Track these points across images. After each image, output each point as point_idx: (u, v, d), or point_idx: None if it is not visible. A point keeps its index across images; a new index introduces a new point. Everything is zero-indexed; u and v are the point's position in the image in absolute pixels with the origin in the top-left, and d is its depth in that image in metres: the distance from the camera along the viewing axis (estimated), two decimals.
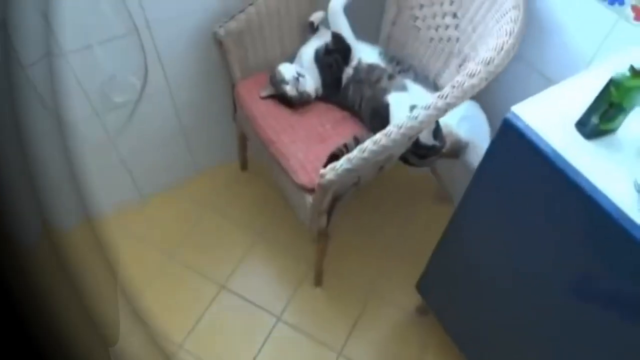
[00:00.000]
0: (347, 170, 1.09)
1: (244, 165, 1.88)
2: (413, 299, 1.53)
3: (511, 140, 0.84)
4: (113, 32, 1.31)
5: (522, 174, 0.87)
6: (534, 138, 0.80)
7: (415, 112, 1.08)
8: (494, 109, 1.34)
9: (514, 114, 0.83)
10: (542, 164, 0.80)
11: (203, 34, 1.45)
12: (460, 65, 1.32)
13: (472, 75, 1.07)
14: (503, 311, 1.10)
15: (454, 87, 1.08)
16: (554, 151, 0.79)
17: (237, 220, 1.77)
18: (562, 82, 0.88)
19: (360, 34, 1.43)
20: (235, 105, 1.55)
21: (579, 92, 0.85)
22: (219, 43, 1.39)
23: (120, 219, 1.76)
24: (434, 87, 1.36)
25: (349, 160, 1.09)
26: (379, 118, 1.34)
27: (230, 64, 1.45)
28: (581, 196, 0.76)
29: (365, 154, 1.08)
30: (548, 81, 1.26)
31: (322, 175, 1.10)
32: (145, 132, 1.60)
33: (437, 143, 1.25)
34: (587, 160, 0.77)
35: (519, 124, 0.82)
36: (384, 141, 1.08)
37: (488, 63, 1.08)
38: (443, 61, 1.39)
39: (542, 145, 0.80)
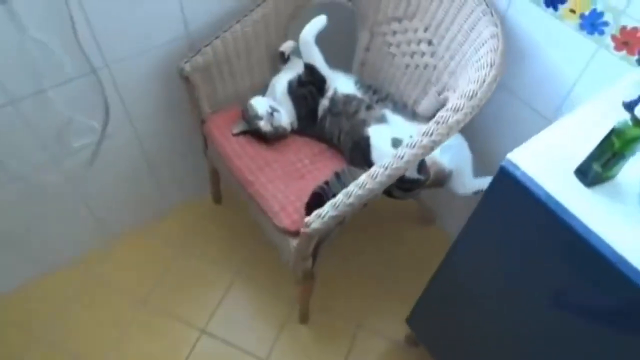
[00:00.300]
0: (333, 218, 1.03)
1: (217, 199, 1.80)
2: (402, 329, 1.49)
3: (508, 187, 0.80)
4: (68, 75, 1.21)
5: (520, 220, 0.84)
6: (532, 186, 0.77)
7: (400, 151, 1.04)
8: (475, 137, 1.31)
9: (510, 162, 0.79)
10: (541, 212, 0.77)
11: (167, 69, 1.37)
12: (439, 94, 1.28)
13: (456, 110, 1.04)
14: (497, 347, 1.07)
15: (438, 122, 1.04)
16: (554, 199, 0.75)
17: (213, 258, 1.69)
18: (555, 123, 0.85)
19: (333, 62, 1.38)
20: (205, 140, 1.47)
21: (573, 135, 0.83)
22: (185, 79, 1.31)
23: (86, 265, 1.65)
24: (413, 115, 1.32)
25: (334, 206, 1.03)
26: (359, 151, 1.29)
27: (198, 100, 1.38)
28: (583, 244, 0.73)
29: (351, 199, 1.03)
30: (529, 108, 1.24)
31: (307, 224, 1.04)
32: (109, 172, 1.50)
33: (421, 177, 1.21)
34: (588, 208, 0.74)
35: (516, 173, 0.78)
36: (370, 184, 1.02)
37: (471, 97, 1.04)
38: (421, 88, 1.36)
39: (540, 194, 0.76)
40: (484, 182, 1.31)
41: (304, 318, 1.53)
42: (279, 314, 1.58)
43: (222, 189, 1.76)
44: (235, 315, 1.57)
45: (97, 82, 1.25)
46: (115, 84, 1.31)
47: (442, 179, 1.29)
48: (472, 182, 1.31)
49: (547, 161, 0.79)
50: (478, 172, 1.32)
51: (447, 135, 1.04)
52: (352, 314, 1.59)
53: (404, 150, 1.04)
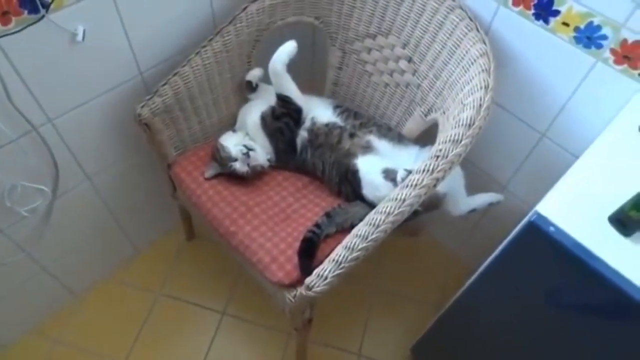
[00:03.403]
0: (337, 276, 0.92)
1: (190, 236, 1.65)
2: (404, 353, 1.42)
3: (538, 241, 0.72)
4: (3, 139, 1.02)
5: (549, 271, 0.76)
6: (566, 242, 0.69)
7: (402, 193, 0.93)
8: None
9: (541, 216, 0.70)
10: (575, 265, 0.69)
11: (122, 113, 1.20)
12: (426, 115, 1.19)
13: (455, 142, 0.94)
14: None
15: (438, 157, 0.94)
16: (592, 254, 0.67)
17: (195, 300, 1.54)
18: (577, 162, 0.77)
19: (303, 83, 1.24)
20: (173, 183, 1.32)
21: (598, 174, 0.75)
22: (143, 125, 1.14)
23: (53, 328, 1.46)
24: (399, 138, 1.23)
25: (338, 263, 0.92)
26: (347, 184, 1.19)
27: (161, 145, 1.22)
28: (626, 299, 0.66)
29: (355, 253, 0.92)
30: (520, 122, 1.17)
31: (309, 287, 0.92)
32: (67, 230, 1.33)
33: (418, 208, 1.11)
34: (630, 261, 0.67)
35: (549, 229, 0.69)
36: (374, 234, 0.92)
37: (469, 125, 0.95)
38: (404, 108, 1.26)
39: (577, 250, 0.68)
40: (479, 201, 1.25)
41: (302, 357, 1.42)
42: (275, 353, 1.46)
43: (195, 223, 1.61)
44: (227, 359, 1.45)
45: (39, 140, 1.07)
46: (62, 139, 1.13)
47: (436, 203, 1.21)
48: (466, 202, 1.24)
49: (577, 210, 0.71)
50: (470, 189, 1.24)
51: (450, 170, 0.94)
52: (352, 344, 1.49)
53: (404, 192, 0.93)
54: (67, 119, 1.10)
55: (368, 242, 0.92)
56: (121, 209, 1.43)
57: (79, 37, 0.99)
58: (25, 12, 0.89)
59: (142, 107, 1.12)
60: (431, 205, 1.20)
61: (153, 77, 1.20)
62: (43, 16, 0.91)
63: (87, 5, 0.98)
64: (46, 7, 0.91)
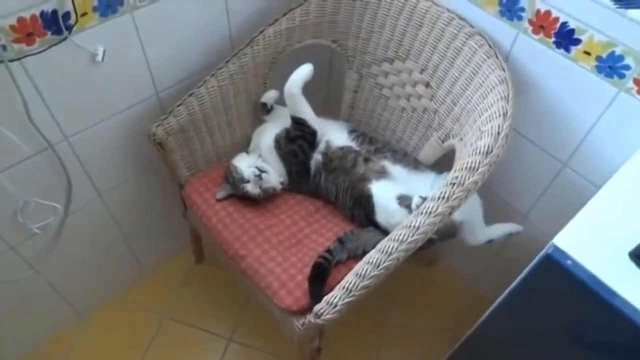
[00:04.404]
0: (348, 304, 0.92)
1: (199, 258, 1.68)
2: None
3: (555, 274, 0.72)
4: (19, 155, 1.06)
5: (566, 305, 0.76)
6: (584, 276, 0.69)
7: (416, 220, 0.94)
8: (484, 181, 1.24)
9: (557, 249, 0.71)
10: (592, 300, 0.69)
11: (136, 133, 1.25)
12: (443, 141, 1.20)
13: (472, 169, 0.95)
14: None
15: (454, 185, 0.95)
16: (610, 290, 0.67)
17: (201, 325, 1.55)
18: (597, 195, 0.78)
19: (319, 107, 1.28)
20: (184, 203, 1.35)
21: (618, 208, 0.75)
22: (158, 145, 1.18)
23: (56, 349, 1.48)
24: (415, 164, 1.24)
25: (348, 291, 0.92)
26: (361, 209, 1.21)
27: (174, 164, 1.26)
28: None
29: (366, 281, 0.92)
30: (539, 150, 1.17)
31: (317, 315, 0.93)
32: (77, 249, 1.36)
33: (433, 236, 1.12)
34: None
35: (566, 262, 0.69)
36: (386, 262, 0.92)
37: (487, 153, 0.96)
38: (421, 134, 1.28)
39: (593, 284, 0.68)
40: (497, 231, 1.25)
41: None
42: None
43: (204, 245, 1.64)
44: None
45: (55, 157, 1.11)
46: (77, 157, 1.18)
47: (452, 232, 1.21)
48: (483, 232, 1.24)
49: (596, 243, 0.71)
50: (489, 218, 1.24)
51: (466, 198, 0.95)
52: None
53: (418, 219, 0.94)
54: (82, 137, 1.15)
55: (380, 269, 0.93)
56: (131, 228, 1.47)
57: (99, 58, 1.04)
58: (49, 33, 0.95)
59: (157, 126, 1.16)
60: (447, 233, 1.20)
61: (169, 97, 1.25)
62: (66, 37, 0.97)
63: (108, 26, 1.03)
64: (69, 29, 0.96)
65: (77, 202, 1.24)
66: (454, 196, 0.94)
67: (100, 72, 1.08)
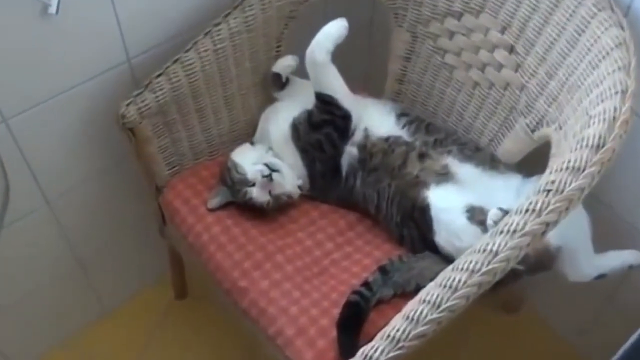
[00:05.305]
0: (395, 358, 0.94)
1: (180, 293, 1.74)
2: None
3: None
4: None
5: None
6: None
7: (494, 242, 0.95)
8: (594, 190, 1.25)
9: None
10: None
11: (99, 115, 1.30)
12: (533, 130, 1.22)
13: (577, 170, 0.96)
14: None
15: (549, 191, 0.96)
16: None
17: None
18: None
19: (354, 80, 1.30)
20: (163, 214, 1.40)
21: None
22: (128, 131, 1.23)
23: None
24: (491, 162, 1.27)
25: (395, 342, 0.93)
26: (413, 226, 1.24)
27: (150, 159, 1.31)
28: None
29: (422, 328, 0.93)
30: None
31: None
32: (14, 274, 1.42)
33: (519, 267, 1.13)
34: None
35: None
36: (449, 302, 0.93)
37: (598, 147, 0.97)
38: (501, 119, 1.30)
39: None
40: (612, 262, 1.26)
41: None
42: None
43: (189, 274, 1.68)
44: None
45: None
46: (18, 146, 1.24)
47: (545, 261, 1.22)
48: (592, 262, 1.24)
49: None
50: (600, 242, 1.25)
51: (566, 211, 0.96)
52: None
53: (497, 241, 0.95)
54: (26, 119, 1.20)
55: (441, 312, 0.94)
56: (88, 249, 1.52)
57: (52, 9, 1.08)
58: None
59: (128, 105, 1.20)
60: (538, 264, 1.22)
61: (145, 65, 1.29)
62: None
63: None
64: None
65: (14, 211, 1.28)
66: (550, 208, 0.95)
67: (54, 28, 1.12)
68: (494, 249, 0.95)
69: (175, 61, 1.23)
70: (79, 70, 1.23)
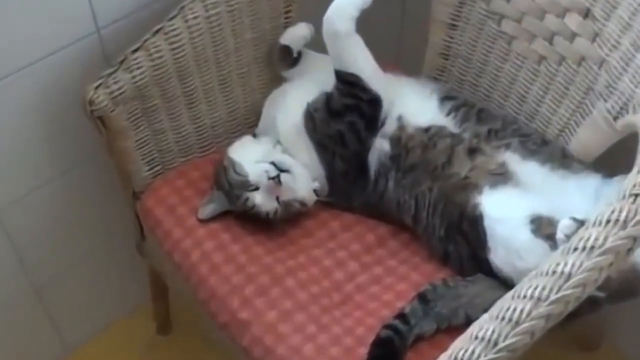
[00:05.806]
0: None
1: (163, 328, 1.75)
2: None
3: None
4: None
5: None
6: None
7: (566, 262, 0.94)
8: None
9: None
10: None
11: (62, 99, 1.31)
12: (615, 117, 1.20)
13: None
14: None
15: (637, 196, 0.95)
16: None
17: None
18: None
19: (384, 55, 1.30)
20: (141, 228, 1.41)
21: None
22: (97, 120, 1.23)
23: None
24: (562, 158, 1.26)
25: None
26: (461, 241, 1.23)
27: (125, 156, 1.31)
28: None
29: None
30: None
31: None
32: None
33: (598, 293, 1.11)
34: None
35: None
36: (509, 339, 0.92)
37: None
38: (575, 105, 1.30)
39: None
40: None
41: None
42: None
43: (174, 302, 1.69)
44: None
45: None
46: None
47: (633, 286, 1.23)
48: None
49: None
50: None
51: None
52: None
53: (570, 260, 0.94)
54: None
55: (498, 351, 0.93)
56: (47, 273, 1.53)
57: None
58: None
59: (97, 88, 1.20)
60: (623, 289, 1.22)
61: (118, 36, 1.30)
62: None
63: None
64: None
65: None
66: (638, 218, 0.94)
67: None
68: (567, 270, 0.94)
69: (157, 32, 1.23)
70: (36, 43, 1.23)
